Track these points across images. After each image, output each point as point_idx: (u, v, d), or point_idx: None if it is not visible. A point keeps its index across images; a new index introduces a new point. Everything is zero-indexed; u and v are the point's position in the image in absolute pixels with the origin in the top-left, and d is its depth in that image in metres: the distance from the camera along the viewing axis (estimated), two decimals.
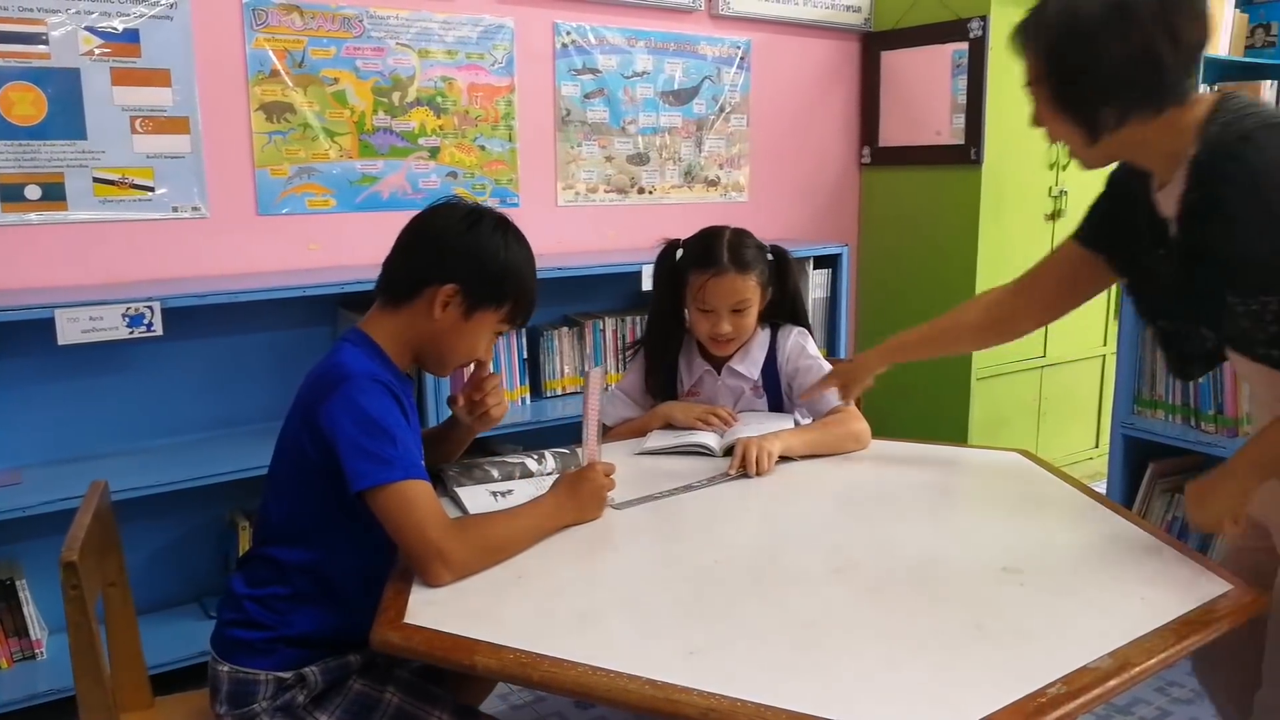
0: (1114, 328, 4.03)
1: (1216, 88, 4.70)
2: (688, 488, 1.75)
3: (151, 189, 2.57)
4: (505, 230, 1.56)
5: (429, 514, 1.35)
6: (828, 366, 2.04)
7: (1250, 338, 1.30)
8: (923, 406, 3.70)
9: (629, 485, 1.71)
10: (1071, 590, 1.34)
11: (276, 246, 2.78)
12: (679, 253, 2.07)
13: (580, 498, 1.54)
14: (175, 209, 2.62)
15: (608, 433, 2.14)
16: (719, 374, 2.09)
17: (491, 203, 3.11)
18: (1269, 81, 4.75)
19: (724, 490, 1.74)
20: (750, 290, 1.99)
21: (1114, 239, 1.53)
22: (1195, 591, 1.32)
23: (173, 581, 2.68)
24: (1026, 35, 1.33)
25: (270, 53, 2.69)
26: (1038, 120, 1.38)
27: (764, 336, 2.10)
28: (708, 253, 1.98)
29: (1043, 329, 3.81)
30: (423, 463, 1.44)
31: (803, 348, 2.07)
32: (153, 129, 2.55)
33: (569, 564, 1.43)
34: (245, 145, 2.69)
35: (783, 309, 2.11)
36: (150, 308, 2.29)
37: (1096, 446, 4.15)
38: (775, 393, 2.08)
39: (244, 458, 2.49)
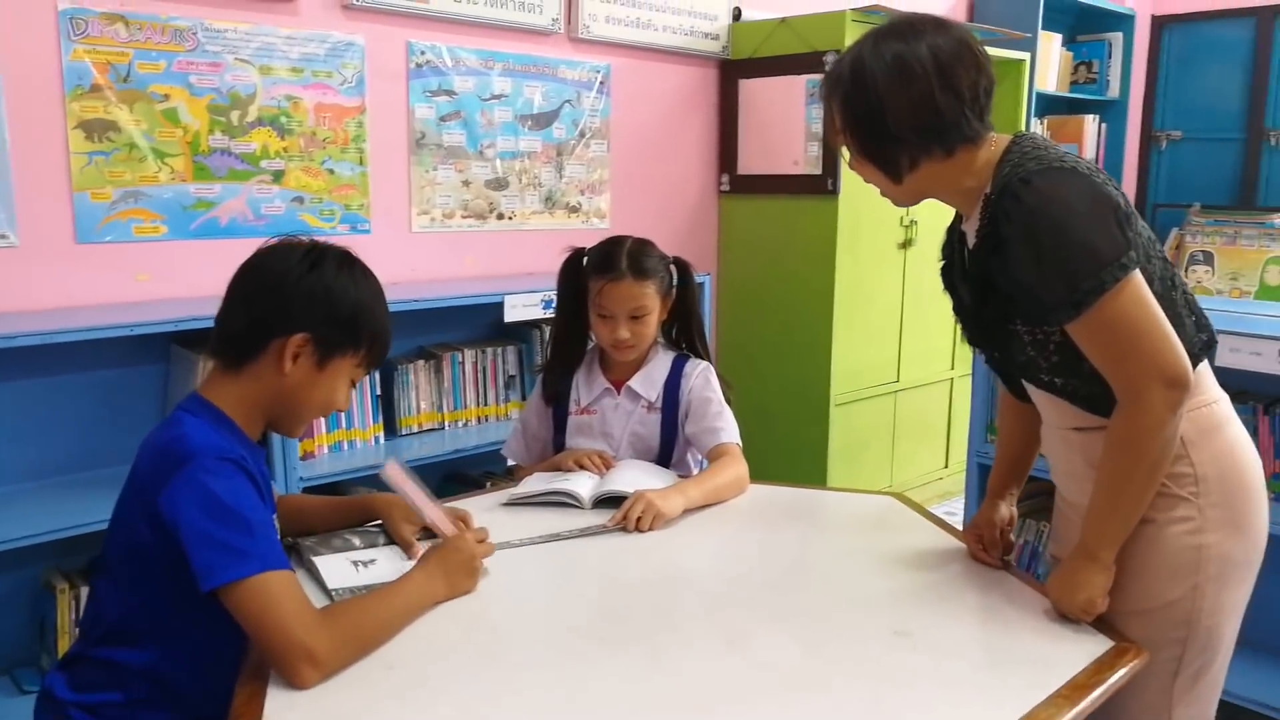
0: (961, 352, 4.19)
1: (1045, 121, 4.99)
2: (555, 536, 1.67)
3: None
4: (351, 266, 1.42)
5: (293, 610, 1.20)
6: (726, 408, 2.05)
7: (1034, 364, 1.43)
8: (783, 432, 3.72)
9: (496, 536, 1.62)
10: (963, 652, 1.33)
11: (99, 277, 2.53)
12: (585, 261, 2.07)
13: (450, 571, 1.43)
14: None
15: (518, 473, 2.12)
16: (618, 393, 2.08)
17: (341, 229, 2.93)
18: (1091, 116, 5.06)
19: (597, 547, 1.66)
20: (648, 298, 2.00)
21: (946, 275, 1.63)
22: (1080, 647, 1.33)
23: None
24: (826, 90, 1.45)
25: (90, 65, 2.44)
26: (851, 165, 1.49)
27: (666, 360, 2.10)
28: (607, 259, 2.00)
29: (896, 354, 3.94)
30: (281, 545, 1.30)
31: (707, 380, 2.07)
32: None
33: (440, 649, 1.31)
34: (61, 166, 2.43)
35: (683, 319, 2.13)
36: None
37: (946, 466, 4.28)
38: (671, 414, 2.07)
39: (63, 513, 2.24)
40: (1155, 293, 1.34)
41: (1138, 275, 1.32)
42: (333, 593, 1.43)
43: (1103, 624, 1.39)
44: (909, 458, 4.11)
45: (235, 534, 1.21)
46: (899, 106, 1.35)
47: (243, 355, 1.36)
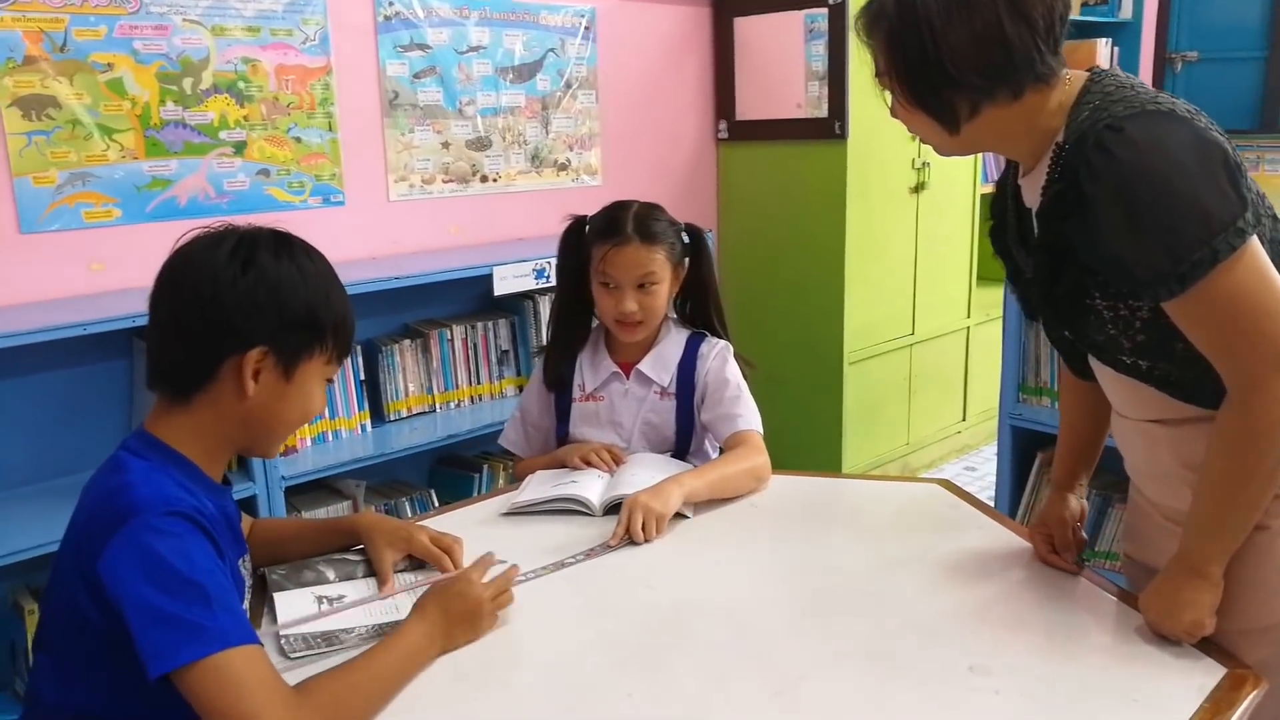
0: (979, 299, 3.98)
1: None
2: (560, 564, 1.47)
3: None
4: (290, 250, 1.18)
5: (260, 693, 1.00)
6: (746, 392, 1.86)
7: (1115, 344, 1.23)
8: (795, 395, 3.53)
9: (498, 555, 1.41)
10: (1055, 694, 1.14)
11: (48, 270, 2.30)
12: (587, 229, 1.87)
13: (453, 621, 1.23)
14: None
15: (518, 466, 1.93)
16: (627, 377, 1.88)
17: (313, 202, 2.70)
18: (1104, 39, 4.79)
19: (607, 569, 1.46)
20: (657, 264, 1.80)
21: (998, 238, 1.41)
22: (1189, 678, 1.15)
23: None
24: (866, 27, 1.22)
25: (21, 35, 2.19)
26: (894, 113, 1.27)
27: (680, 339, 1.90)
28: (611, 223, 1.81)
29: (911, 306, 3.73)
30: (246, 615, 1.09)
31: (725, 361, 1.87)
32: None
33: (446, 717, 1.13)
34: None
35: (697, 293, 1.92)
36: None
37: (964, 419, 4.10)
38: (686, 400, 1.87)
39: (29, 530, 2.05)
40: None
41: (1255, 242, 1.10)
42: (282, 638, 1.24)
43: (1210, 646, 1.21)
44: (926, 412, 3.92)
45: (188, 604, 1.01)
46: (959, 41, 1.13)
47: (191, 385, 1.15)
